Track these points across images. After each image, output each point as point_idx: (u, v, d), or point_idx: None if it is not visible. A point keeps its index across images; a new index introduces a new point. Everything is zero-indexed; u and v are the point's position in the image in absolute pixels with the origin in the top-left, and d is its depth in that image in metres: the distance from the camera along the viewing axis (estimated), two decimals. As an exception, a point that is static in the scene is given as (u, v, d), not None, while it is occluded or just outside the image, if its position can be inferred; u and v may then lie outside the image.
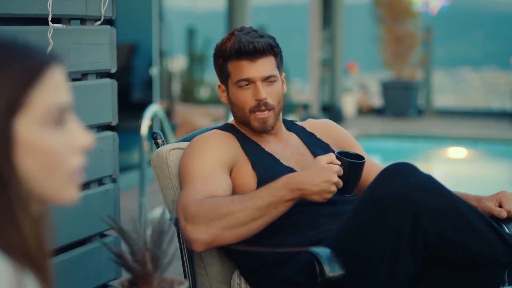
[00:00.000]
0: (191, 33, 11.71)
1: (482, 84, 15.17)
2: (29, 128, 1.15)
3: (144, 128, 4.94)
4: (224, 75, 2.56)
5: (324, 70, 11.95)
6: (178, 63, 11.91)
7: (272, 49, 2.51)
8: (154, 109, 5.18)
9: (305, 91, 12.64)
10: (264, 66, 2.50)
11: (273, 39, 2.55)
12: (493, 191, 2.54)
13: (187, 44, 11.66)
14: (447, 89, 15.10)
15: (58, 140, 1.17)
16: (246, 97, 2.51)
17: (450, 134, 10.67)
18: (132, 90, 7.42)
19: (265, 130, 2.54)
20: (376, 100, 12.98)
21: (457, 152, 10.37)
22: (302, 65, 11.96)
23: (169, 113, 8.87)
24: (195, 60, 11.55)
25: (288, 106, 10.84)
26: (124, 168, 6.70)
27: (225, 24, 9.79)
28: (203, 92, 11.57)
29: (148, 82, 7.14)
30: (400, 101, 12.16)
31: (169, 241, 1.71)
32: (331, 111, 11.66)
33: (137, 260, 1.67)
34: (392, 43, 12.23)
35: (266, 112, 2.51)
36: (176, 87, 11.30)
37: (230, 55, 2.51)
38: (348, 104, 12.45)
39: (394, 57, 12.27)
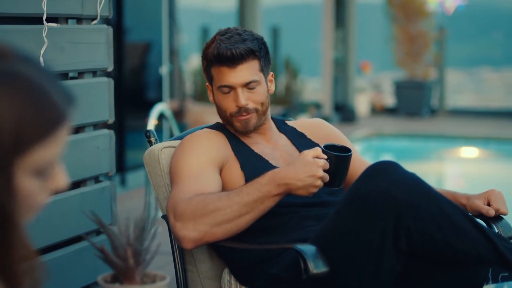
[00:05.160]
0: (205, 32, 11.74)
1: (502, 84, 15.09)
2: (19, 172, 1.14)
3: (150, 127, 4.96)
4: (209, 77, 2.57)
5: (337, 70, 11.94)
6: (192, 62, 11.93)
7: (253, 54, 2.50)
8: (160, 108, 5.20)
9: (320, 90, 12.64)
10: (244, 72, 2.49)
11: (258, 41, 2.53)
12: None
13: (201, 43, 11.67)
14: (466, 89, 15.03)
15: (35, 185, 1.17)
16: (228, 103, 2.52)
17: (463, 134, 10.63)
18: (145, 89, 7.45)
19: (247, 131, 2.55)
20: (389, 100, 12.95)
21: (469, 151, 10.33)
22: (317, 64, 11.95)
23: (181, 112, 8.88)
24: (208, 59, 11.53)
25: (300, 106, 10.84)
26: (135, 167, 6.73)
27: (237, 24, 9.80)
28: (217, 91, 11.54)
29: (161, 81, 7.17)
30: (413, 101, 12.11)
31: (151, 237, 1.73)
32: (344, 111, 11.64)
33: (119, 255, 1.69)
34: (406, 43, 12.19)
35: (248, 115, 2.52)
36: (190, 86, 11.32)
37: (212, 61, 2.51)
38: (362, 104, 12.43)
39: (408, 57, 12.23)
